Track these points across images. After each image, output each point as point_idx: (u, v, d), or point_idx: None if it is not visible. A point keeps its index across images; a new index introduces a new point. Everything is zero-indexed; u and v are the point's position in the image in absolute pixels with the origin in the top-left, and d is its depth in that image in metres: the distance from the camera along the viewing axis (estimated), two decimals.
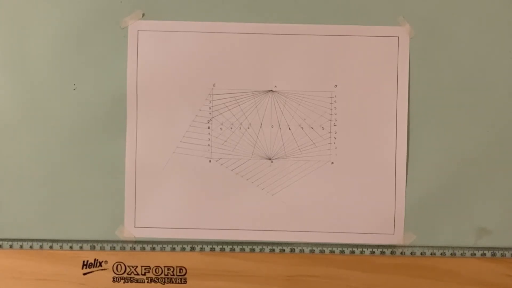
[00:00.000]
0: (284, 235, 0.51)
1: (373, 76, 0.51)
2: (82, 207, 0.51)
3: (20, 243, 0.51)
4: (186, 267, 0.51)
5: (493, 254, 0.50)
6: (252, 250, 0.51)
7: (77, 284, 0.51)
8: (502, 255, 0.50)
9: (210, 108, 0.51)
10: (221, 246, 0.51)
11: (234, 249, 0.51)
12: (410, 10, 0.51)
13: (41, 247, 0.51)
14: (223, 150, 0.51)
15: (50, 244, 0.51)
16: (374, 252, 0.51)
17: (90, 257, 0.51)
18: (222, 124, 0.51)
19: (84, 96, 0.51)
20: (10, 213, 0.51)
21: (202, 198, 0.51)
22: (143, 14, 0.51)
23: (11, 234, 0.52)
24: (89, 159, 0.51)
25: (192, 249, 0.51)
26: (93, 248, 0.51)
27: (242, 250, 0.51)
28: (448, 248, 0.51)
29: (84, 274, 0.51)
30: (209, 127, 0.51)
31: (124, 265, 0.51)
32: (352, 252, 0.51)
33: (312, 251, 0.51)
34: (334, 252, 0.51)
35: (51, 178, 0.51)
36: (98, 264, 0.51)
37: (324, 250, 0.51)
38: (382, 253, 0.51)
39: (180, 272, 0.51)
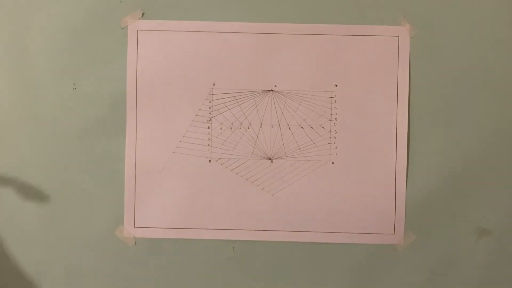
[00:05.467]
0: (284, 235, 0.51)
1: (373, 76, 0.51)
2: (82, 207, 0.51)
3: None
4: None
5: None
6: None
7: None
8: None
9: (210, 107, 0.51)
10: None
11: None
12: (410, 9, 0.51)
13: None
14: (223, 150, 0.51)
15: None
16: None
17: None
18: (222, 123, 0.51)
19: (84, 96, 0.51)
20: (10, 213, 0.51)
21: (202, 198, 0.51)
22: (143, 14, 0.51)
23: (10, 233, 0.52)
24: (88, 159, 0.51)
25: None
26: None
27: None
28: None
29: None
30: (209, 127, 0.51)
31: None
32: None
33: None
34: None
35: (50, 178, 0.51)
36: None
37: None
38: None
39: None
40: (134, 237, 0.51)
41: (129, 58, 0.51)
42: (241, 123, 0.51)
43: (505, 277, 0.51)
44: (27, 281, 0.52)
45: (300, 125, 0.51)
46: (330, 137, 0.51)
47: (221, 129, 0.51)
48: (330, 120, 0.51)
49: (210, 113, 0.51)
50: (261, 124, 0.51)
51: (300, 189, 0.51)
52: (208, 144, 0.51)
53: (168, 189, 0.51)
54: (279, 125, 0.51)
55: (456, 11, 0.51)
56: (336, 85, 0.51)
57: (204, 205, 0.51)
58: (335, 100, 0.51)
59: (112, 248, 0.52)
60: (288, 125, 0.51)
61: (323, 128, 0.51)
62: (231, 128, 0.51)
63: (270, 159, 0.51)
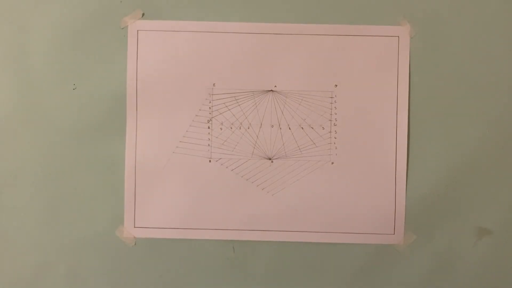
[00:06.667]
0: (284, 235, 0.51)
1: (373, 76, 0.51)
2: (82, 207, 0.51)
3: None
4: None
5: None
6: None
7: None
8: None
9: (210, 108, 0.51)
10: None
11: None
12: (410, 10, 0.51)
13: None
14: (223, 150, 0.51)
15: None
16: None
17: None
18: (222, 124, 0.51)
19: (84, 96, 0.51)
20: (10, 213, 0.51)
21: (202, 198, 0.51)
22: (143, 14, 0.51)
23: (10, 233, 0.52)
24: (88, 159, 0.51)
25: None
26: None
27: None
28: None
29: None
30: (209, 127, 0.51)
31: None
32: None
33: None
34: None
35: (50, 178, 0.51)
36: None
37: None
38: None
39: None
40: (134, 237, 0.51)
41: (129, 58, 0.51)
42: (241, 123, 0.51)
43: (505, 277, 0.51)
44: (28, 282, 0.52)
45: (300, 125, 0.51)
46: (330, 137, 0.51)
47: (221, 129, 0.51)
48: (330, 120, 0.51)
49: (210, 113, 0.51)
50: (261, 124, 0.51)
51: (300, 189, 0.51)
52: (208, 144, 0.51)
53: (168, 189, 0.51)
54: (279, 125, 0.51)
55: (456, 11, 0.51)
56: (336, 85, 0.51)
57: (204, 205, 0.51)
58: (335, 100, 0.51)
59: (112, 248, 0.52)
60: (288, 125, 0.51)
61: (323, 128, 0.51)
62: (231, 128, 0.51)
63: (270, 159, 0.51)
